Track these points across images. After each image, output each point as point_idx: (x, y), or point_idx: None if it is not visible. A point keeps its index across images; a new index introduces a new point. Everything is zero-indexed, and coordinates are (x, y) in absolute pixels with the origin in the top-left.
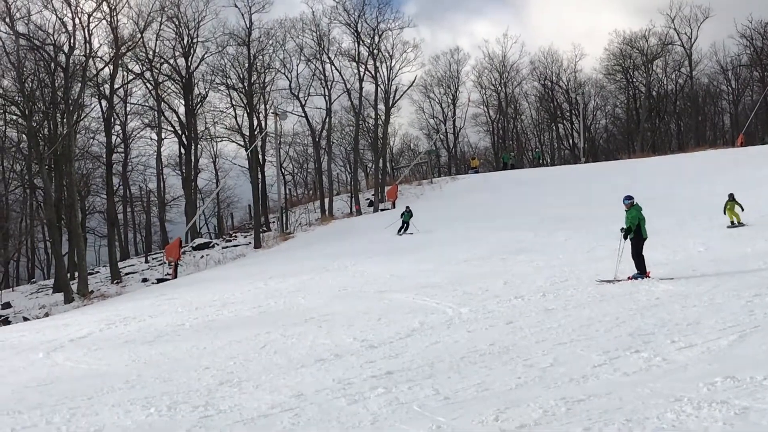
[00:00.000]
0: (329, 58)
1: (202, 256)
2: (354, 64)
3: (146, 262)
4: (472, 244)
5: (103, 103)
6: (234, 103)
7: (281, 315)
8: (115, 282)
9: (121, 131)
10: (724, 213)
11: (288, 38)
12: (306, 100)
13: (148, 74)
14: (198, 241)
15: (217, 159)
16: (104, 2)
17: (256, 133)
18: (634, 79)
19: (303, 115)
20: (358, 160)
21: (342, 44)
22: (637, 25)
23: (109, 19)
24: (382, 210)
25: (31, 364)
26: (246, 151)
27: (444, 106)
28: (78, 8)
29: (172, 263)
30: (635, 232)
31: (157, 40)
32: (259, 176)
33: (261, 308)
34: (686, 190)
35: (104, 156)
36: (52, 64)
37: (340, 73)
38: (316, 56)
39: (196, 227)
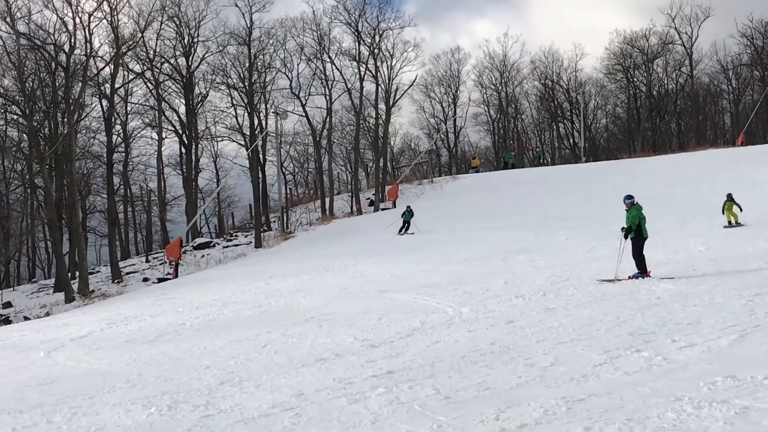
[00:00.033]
0: (330, 57)
1: (203, 256)
2: (354, 63)
3: (147, 261)
4: (472, 243)
5: (104, 102)
6: (234, 102)
7: (282, 314)
8: (115, 281)
9: (121, 131)
10: (723, 213)
11: (288, 38)
12: (306, 100)
13: (148, 74)
14: (199, 240)
15: (217, 158)
16: (105, 2)
17: (256, 132)
18: (635, 79)
19: (303, 114)
20: (358, 160)
21: (342, 44)
22: (637, 25)
23: (109, 19)
24: (382, 209)
25: (32, 364)
26: (246, 150)
27: (444, 105)
28: (79, 8)
29: (173, 263)
30: (636, 232)
31: (157, 39)
32: (260, 176)
33: (262, 308)
34: (687, 190)
35: (105, 155)
36: (53, 64)
37: (340, 72)
38: (316, 55)
39: (197, 227)
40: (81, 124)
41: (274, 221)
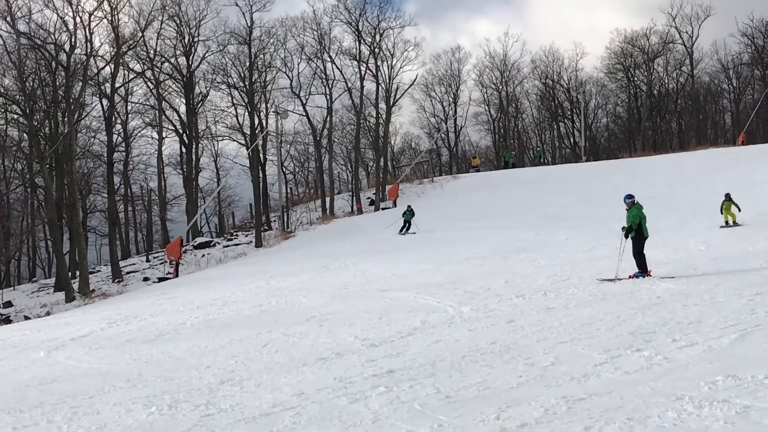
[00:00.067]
0: (330, 56)
1: (203, 255)
2: (355, 62)
3: (147, 261)
4: (473, 242)
5: (104, 102)
6: (235, 101)
7: (282, 314)
8: (116, 281)
9: (122, 130)
10: (721, 213)
11: (289, 37)
12: (307, 99)
13: (149, 73)
14: (199, 240)
15: (218, 158)
16: (105, 1)
17: (257, 131)
18: (635, 78)
19: (304, 113)
20: (359, 159)
21: (343, 43)
22: (638, 24)
23: (110, 18)
24: (383, 209)
25: (33, 363)
26: (247, 150)
27: (445, 104)
28: (79, 7)
29: (174, 262)
30: (636, 231)
31: (158, 38)
32: (260, 175)
33: (262, 307)
34: (687, 189)
35: (105, 155)
36: (53, 63)
37: (341, 71)
38: (317, 55)
39: (197, 226)
40: (81, 123)
41: (275, 221)
